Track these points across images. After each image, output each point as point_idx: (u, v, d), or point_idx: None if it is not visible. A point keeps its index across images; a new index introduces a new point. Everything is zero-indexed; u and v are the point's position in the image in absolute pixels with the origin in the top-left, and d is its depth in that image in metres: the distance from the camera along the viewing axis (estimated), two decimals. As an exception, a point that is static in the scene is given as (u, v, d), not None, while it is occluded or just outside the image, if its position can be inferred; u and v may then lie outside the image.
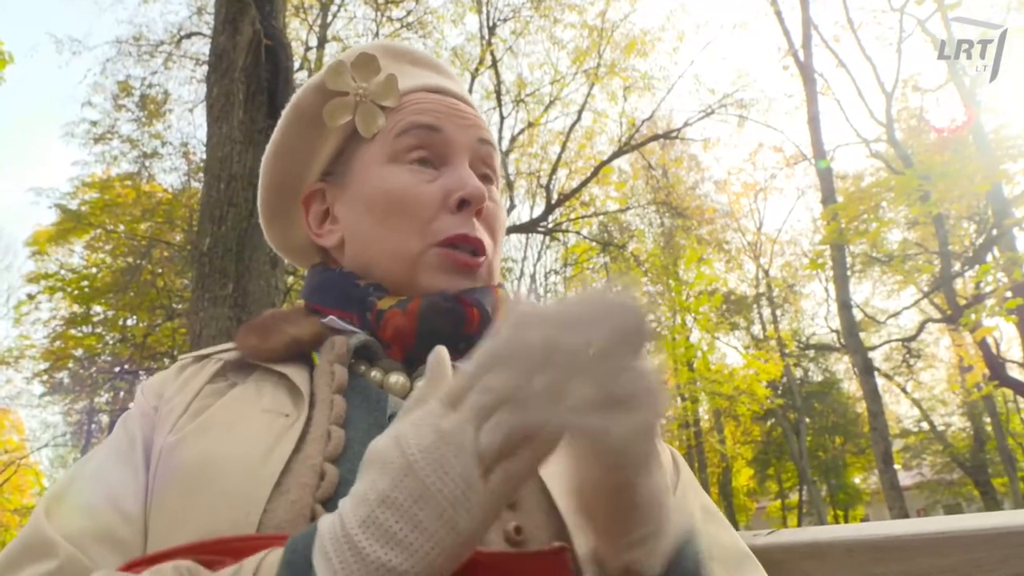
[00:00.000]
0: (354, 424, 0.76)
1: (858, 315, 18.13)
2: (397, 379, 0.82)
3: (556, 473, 0.73)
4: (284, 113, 0.98)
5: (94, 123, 14.41)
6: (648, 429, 0.54)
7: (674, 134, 15.94)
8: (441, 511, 0.50)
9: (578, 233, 16.64)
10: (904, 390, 23.71)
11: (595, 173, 15.23)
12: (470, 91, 14.73)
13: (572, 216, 16.47)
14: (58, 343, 15.86)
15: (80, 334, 15.56)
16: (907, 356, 22.03)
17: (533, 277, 18.75)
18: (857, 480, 28.97)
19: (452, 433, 0.51)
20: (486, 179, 0.94)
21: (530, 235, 16.27)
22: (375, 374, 0.83)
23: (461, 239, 0.86)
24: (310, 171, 0.99)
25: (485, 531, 0.52)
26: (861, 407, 23.06)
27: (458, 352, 0.73)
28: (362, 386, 0.81)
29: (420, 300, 0.84)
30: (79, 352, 16.13)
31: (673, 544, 0.64)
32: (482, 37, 15.19)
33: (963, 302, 13.75)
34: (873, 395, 13.98)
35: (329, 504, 0.67)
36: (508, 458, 0.51)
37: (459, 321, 0.83)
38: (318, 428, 0.74)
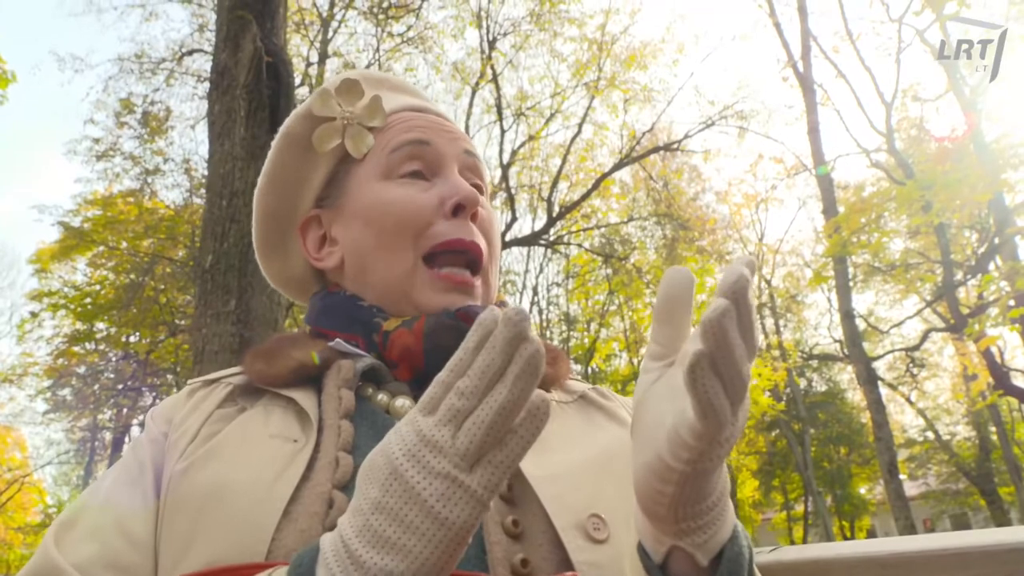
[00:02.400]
0: (361, 450, 0.76)
1: (861, 325, 18.10)
2: (403, 403, 0.83)
3: (560, 500, 0.74)
4: (274, 143, 1.00)
5: (96, 140, 14.49)
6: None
7: (675, 146, 15.95)
8: (428, 509, 0.51)
9: (580, 245, 16.65)
10: (908, 400, 23.60)
11: (596, 185, 15.24)
12: (470, 105, 14.88)
13: (574, 228, 16.48)
14: (61, 360, 15.90)
15: (83, 351, 15.61)
16: (911, 365, 21.94)
17: (535, 289, 18.75)
18: (863, 490, 28.85)
19: (431, 434, 0.53)
20: (476, 188, 0.96)
21: (532, 248, 16.29)
22: (382, 397, 0.84)
23: (458, 244, 0.88)
24: (304, 198, 1.00)
25: (477, 522, 0.53)
26: (866, 417, 22.98)
27: None
28: (369, 411, 0.82)
29: (426, 318, 0.85)
30: (82, 369, 16.18)
31: (725, 537, 0.65)
32: (482, 51, 15.24)
33: (966, 311, 13.73)
34: (877, 405, 13.95)
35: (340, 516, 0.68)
36: (495, 449, 0.53)
37: (463, 338, 0.82)
38: (326, 454, 0.74)
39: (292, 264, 1.05)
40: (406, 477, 0.52)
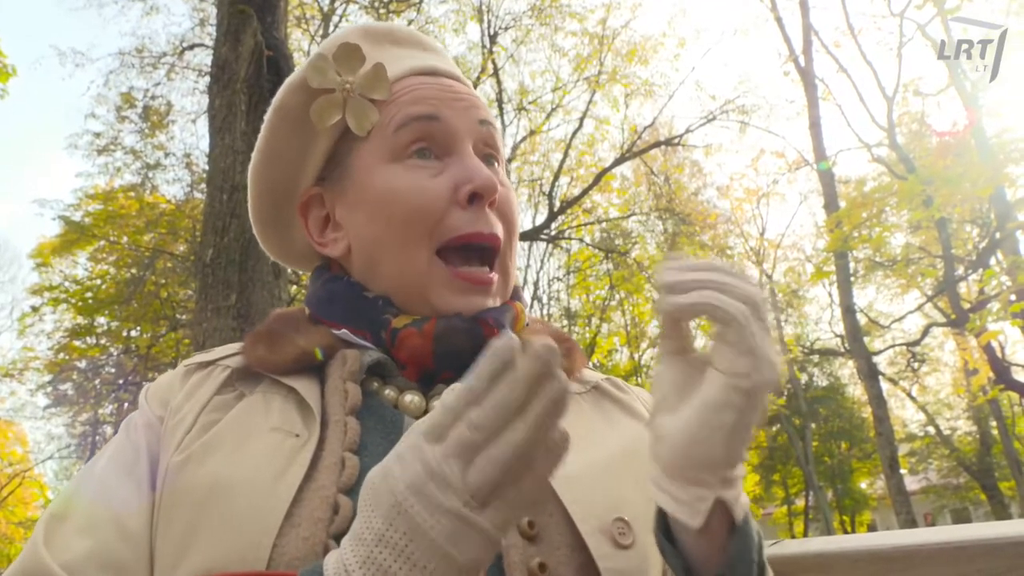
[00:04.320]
0: (369, 450, 0.72)
1: (862, 319, 18.09)
2: (412, 398, 0.79)
3: (583, 504, 0.71)
4: (268, 116, 0.92)
5: (97, 135, 14.47)
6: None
7: (676, 140, 15.94)
8: (435, 548, 0.49)
9: (581, 240, 16.65)
10: (909, 394, 23.61)
11: (597, 180, 15.24)
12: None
13: (575, 223, 16.49)
14: (62, 355, 15.88)
15: (84, 345, 15.58)
16: (912, 360, 21.95)
17: (536, 284, 18.74)
18: (863, 485, 28.85)
19: (438, 467, 0.50)
20: (491, 160, 0.89)
21: (533, 243, 16.27)
22: (389, 392, 0.79)
23: (476, 238, 0.82)
24: (303, 175, 0.93)
25: (488, 559, 0.51)
26: (867, 412, 22.98)
27: None
28: (376, 406, 0.77)
29: (437, 321, 0.80)
30: (83, 364, 16.15)
31: (746, 505, 0.68)
32: (483, 46, 15.22)
33: (967, 306, 13.73)
34: (878, 400, 13.96)
35: (343, 539, 0.65)
36: (509, 487, 0.50)
37: (478, 341, 0.78)
38: (331, 454, 0.71)
39: (292, 239, 0.98)
40: (411, 513, 0.50)
